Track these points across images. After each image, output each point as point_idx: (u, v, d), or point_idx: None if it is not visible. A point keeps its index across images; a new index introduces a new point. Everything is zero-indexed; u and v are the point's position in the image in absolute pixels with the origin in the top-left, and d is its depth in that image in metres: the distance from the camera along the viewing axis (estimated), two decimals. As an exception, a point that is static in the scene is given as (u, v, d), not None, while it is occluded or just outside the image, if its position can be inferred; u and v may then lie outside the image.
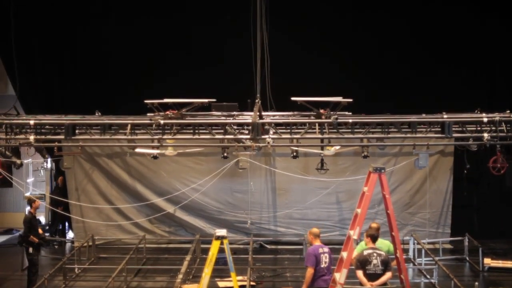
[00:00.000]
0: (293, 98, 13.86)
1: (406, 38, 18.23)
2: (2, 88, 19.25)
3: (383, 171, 11.74)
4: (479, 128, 14.92)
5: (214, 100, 14.34)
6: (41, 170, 21.14)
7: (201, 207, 18.91)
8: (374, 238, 11.41)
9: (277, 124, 15.36)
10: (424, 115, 15.06)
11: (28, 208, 15.80)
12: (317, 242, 11.73)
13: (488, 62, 18.42)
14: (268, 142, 14.38)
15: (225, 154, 15.72)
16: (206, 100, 14.09)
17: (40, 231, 14.98)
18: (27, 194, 21.04)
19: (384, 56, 18.19)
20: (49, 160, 20.66)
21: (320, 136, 15.24)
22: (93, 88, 18.35)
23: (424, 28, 18.18)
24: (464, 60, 18.23)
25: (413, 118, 14.90)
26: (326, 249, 11.65)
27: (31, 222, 14.79)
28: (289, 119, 15.27)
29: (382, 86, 18.10)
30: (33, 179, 21.76)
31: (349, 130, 15.15)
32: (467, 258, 17.13)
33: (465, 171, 17.00)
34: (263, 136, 14.51)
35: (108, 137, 15.14)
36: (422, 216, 18.83)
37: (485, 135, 14.73)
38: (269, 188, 18.95)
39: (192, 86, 15.72)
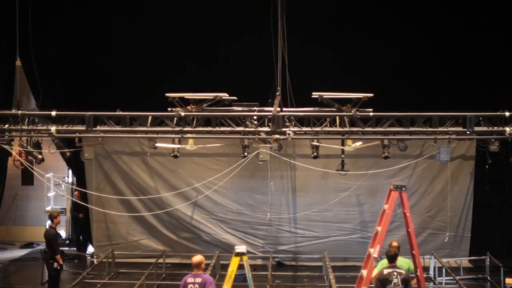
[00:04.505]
0: (314, 93, 14.08)
1: (425, 42, 18.00)
2: (25, 102, 19.47)
3: (404, 189, 11.73)
4: (501, 128, 14.93)
5: (234, 98, 14.49)
6: (62, 184, 21.29)
7: (220, 209, 18.92)
8: (390, 258, 11.18)
9: (298, 120, 15.35)
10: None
11: (48, 222, 15.90)
12: (195, 271, 10.98)
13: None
14: (289, 134, 14.35)
15: (246, 154, 15.67)
16: (226, 94, 14.25)
17: None
18: (48, 209, 21.24)
19: (402, 60, 17.94)
20: (70, 174, 20.82)
21: (340, 129, 15.22)
22: (112, 90, 18.33)
23: (442, 33, 17.93)
24: (481, 65, 17.97)
25: (434, 114, 14.93)
26: (199, 279, 10.81)
27: (56, 237, 14.92)
28: (309, 113, 15.32)
29: (401, 90, 17.80)
30: (54, 193, 21.92)
31: (371, 128, 15.13)
32: (489, 278, 16.93)
33: (487, 166, 16.80)
34: (283, 129, 14.53)
35: (128, 128, 15.23)
36: (442, 220, 18.56)
37: (507, 129, 14.68)
38: (289, 188, 18.89)
39: (211, 86, 15.64)
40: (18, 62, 16.50)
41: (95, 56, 18.60)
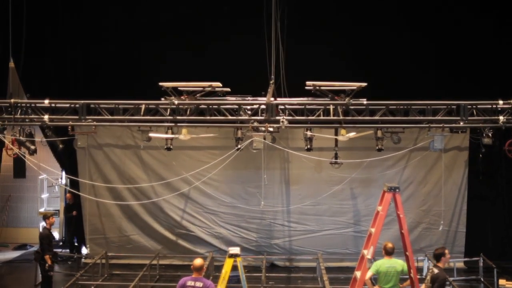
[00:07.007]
0: (308, 83, 14.02)
1: (419, 37, 18.00)
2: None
3: (397, 190, 11.75)
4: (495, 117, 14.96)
5: (228, 89, 14.54)
6: (56, 186, 21.24)
7: (213, 203, 18.92)
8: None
9: (293, 111, 15.34)
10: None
11: (43, 224, 15.87)
12: (195, 274, 10.73)
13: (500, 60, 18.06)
14: (282, 122, 14.32)
15: (239, 146, 15.65)
16: (219, 84, 14.25)
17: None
18: (42, 210, 21.20)
19: (395, 56, 17.90)
20: (63, 175, 20.78)
21: (334, 117, 15.16)
22: (107, 88, 18.09)
23: (435, 29, 17.93)
24: (475, 60, 17.91)
25: (428, 102, 14.92)
26: (199, 283, 10.53)
27: (49, 238, 14.89)
28: (303, 101, 15.33)
29: (394, 84, 17.60)
30: (48, 195, 21.87)
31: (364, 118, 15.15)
32: (482, 279, 16.94)
33: (480, 155, 16.75)
34: (277, 117, 14.53)
35: (122, 117, 15.21)
36: (436, 214, 18.50)
37: (501, 117, 14.71)
38: (283, 181, 18.85)
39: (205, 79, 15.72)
40: (11, 64, 16.48)
41: (91, 54, 18.59)
